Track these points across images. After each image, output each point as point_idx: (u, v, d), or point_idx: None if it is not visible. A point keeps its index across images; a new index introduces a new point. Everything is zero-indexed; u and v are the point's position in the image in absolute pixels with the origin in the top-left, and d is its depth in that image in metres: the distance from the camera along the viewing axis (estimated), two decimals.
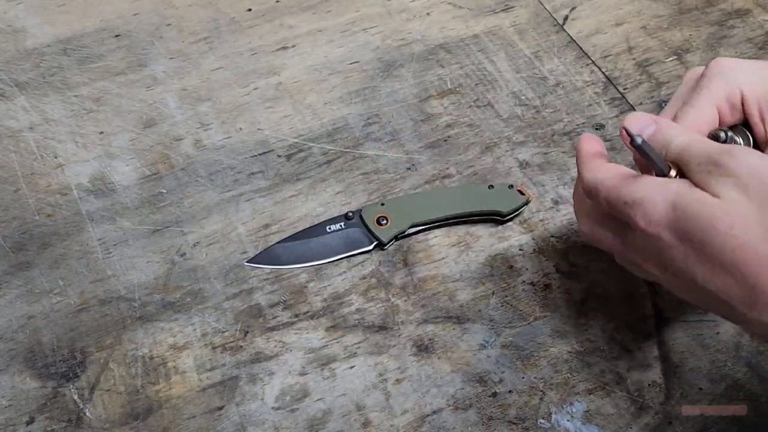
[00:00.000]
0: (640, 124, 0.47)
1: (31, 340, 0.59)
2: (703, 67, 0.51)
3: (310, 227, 0.65)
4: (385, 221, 0.63)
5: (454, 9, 0.84)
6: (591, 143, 0.51)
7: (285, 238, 0.64)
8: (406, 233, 0.64)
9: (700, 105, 0.49)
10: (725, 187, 0.41)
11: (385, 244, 0.63)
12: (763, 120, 0.49)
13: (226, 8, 0.84)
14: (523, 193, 0.65)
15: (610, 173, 0.46)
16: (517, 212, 0.65)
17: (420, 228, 0.64)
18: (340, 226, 0.64)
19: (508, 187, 0.65)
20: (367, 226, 0.63)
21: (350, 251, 0.63)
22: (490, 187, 0.65)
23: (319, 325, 0.60)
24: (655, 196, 0.43)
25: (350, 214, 0.64)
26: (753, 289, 0.41)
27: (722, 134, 0.49)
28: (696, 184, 0.43)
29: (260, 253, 0.63)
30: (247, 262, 0.63)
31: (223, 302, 0.61)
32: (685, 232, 0.42)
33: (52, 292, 0.62)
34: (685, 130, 0.45)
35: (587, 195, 0.49)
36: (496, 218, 0.65)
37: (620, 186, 0.45)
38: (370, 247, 0.63)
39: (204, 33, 0.81)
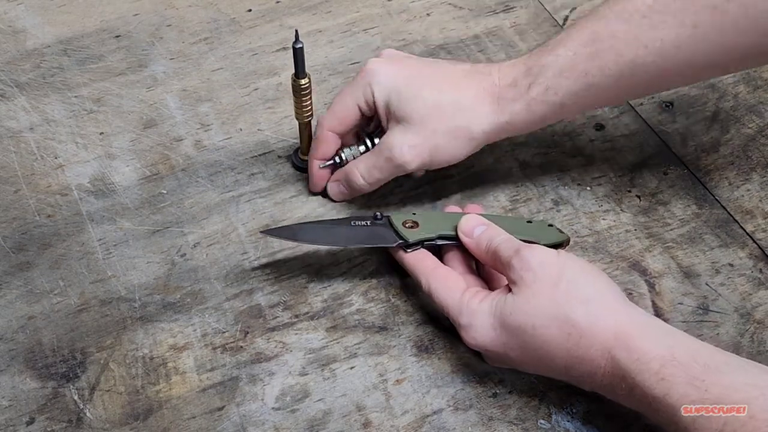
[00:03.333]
0: (472, 224, 0.59)
1: (32, 340, 0.59)
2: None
3: (334, 219, 0.65)
4: (414, 226, 0.61)
5: (455, 9, 0.84)
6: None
7: (307, 222, 0.64)
8: (434, 242, 0.60)
9: (344, 102, 0.64)
10: (523, 275, 0.53)
11: (411, 245, 0.60)
12: (383, 116, 0.63)
13: (227, 9, 0.84)
14: (562, 232, 0.62)
15: (450, 293, 0.57)
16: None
17: (448, 242, 0.60)
18: (366, 223, 0.62)
19: (548, 225, 0.62)
20: (394, 228, 0.61)
21: (373, 244, 0.61)
22: (529, 222, 0.63)
23: (319, 326, 0.60)
24: (481, 324, 0.54)
25: (378, 215, 0.62)
26: (568, 371, 0.52)
27: (342, 154, 0.65)
28: (506, 273, 0.55)
29: (280, 227, 0.63)
30: (262, 231, 0.62)
31: (223, 303, 0.61)
32: (505, 343, 0.53)
33: (52, 292, 0.62)
34: (502, 232, 0.58)
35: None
36: None
37: (457, 308, 0.56)
38: (394, 245, 0.60)
39: (204, 33, 0.81)
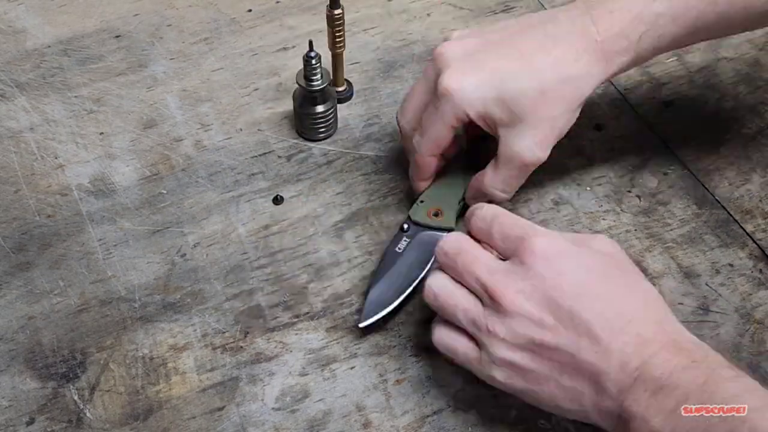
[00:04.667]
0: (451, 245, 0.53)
1: (32, 340, 0.59)
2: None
3: (379, 261, 0.62)
4: (437, 214, 0.62)
5: (455, 10, 0.84)
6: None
7: (370, 285, 0.60)
8: (463, 208, 0.62)
9: (437, 129, 0.59)
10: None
11: (455, 228, 0.61)
12: (489, 126, 0.59)
13: (227, 9, 0.84)
14: None
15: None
16: None
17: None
18: (406, 240, 0.61)
19: None
20: (427, 225, 0.61)
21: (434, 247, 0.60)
22: None
23: (319, 326, 0.60)
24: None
25: (404, 226, 0.62)
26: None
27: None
28: None
29: (363, 311, 0.59)
30: (360, 325, 0.58)
31: (223, 303, 0.61)
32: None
33: (52, 292, 0.62)
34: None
35: (478, 232, 0.54)
36: None
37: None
38: (449, 230, 0.61)
39: (204, 34, 0.81)
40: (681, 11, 0.56)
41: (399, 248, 0.61)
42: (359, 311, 0.61)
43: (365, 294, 0.59)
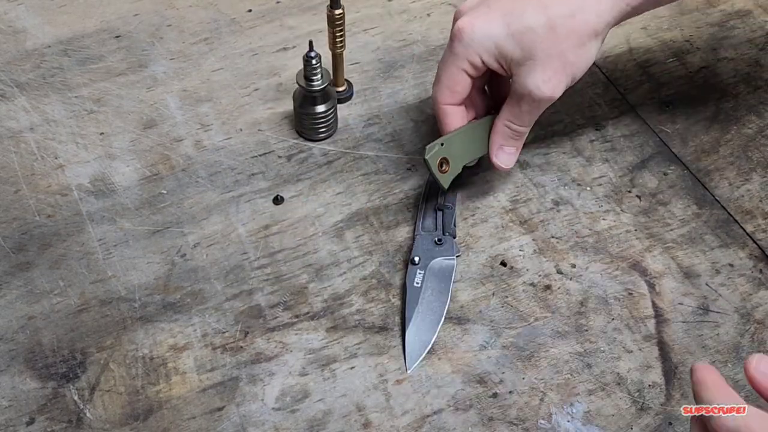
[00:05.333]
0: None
1: (32, 340, 0.59)
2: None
3: (404, 300, 0.61)
4: (445, 165, 0.62)
5: (455, 10, 0.84)
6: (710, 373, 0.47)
7: (403, 326, 0.60)
8: (461, 173, 0.64)
9: (450, 72, 0.60)
10: None
11: (446, 191, 0.64)
12: (503, 69, 0.60)
13: (227, 9, 0.84)
14: None
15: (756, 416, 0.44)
16: None
17: (471, 165, 0.66)
18: (420, 272, 0.61)
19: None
20: (432, 172, 0.61)
21: (449, 273, 0.62)
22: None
23: (319, 326, 0.60)
24: None
25: (415, 259, 0.62)
26: None
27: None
28: None
29: (406, 354, 0.58)
30: (409, 371, 0.57)
31: (223, 303, 0.61)
32: None
33: (52, 292, 0.62)
34: None
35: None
36: None
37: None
38: (456, 255, 0.63)
39: (204, 34, 0.81)
40: None
41: (417, 282, 0.61)
42: (359, 311, 0.61)
43: (402, 337, 0.59)
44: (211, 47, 0.80)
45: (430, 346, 0.59)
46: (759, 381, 0.45)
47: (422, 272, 0.61)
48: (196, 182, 0.69)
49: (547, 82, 0.58)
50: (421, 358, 0.58)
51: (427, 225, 0.65)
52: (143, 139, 0.72)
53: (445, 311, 0.60)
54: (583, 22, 0.57)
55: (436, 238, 0.63)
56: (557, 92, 0.59)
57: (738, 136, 0.72)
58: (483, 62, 0.59)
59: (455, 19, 0.61)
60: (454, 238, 0.64)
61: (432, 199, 0.66)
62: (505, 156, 0.64)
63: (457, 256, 0.63)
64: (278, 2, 0.84)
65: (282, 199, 0.67)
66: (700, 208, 0.67)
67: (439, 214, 0.65)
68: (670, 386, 0.57)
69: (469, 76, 0.61)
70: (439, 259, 0.62)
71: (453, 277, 0.62)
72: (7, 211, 0.67)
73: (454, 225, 0.65)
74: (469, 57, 0.59)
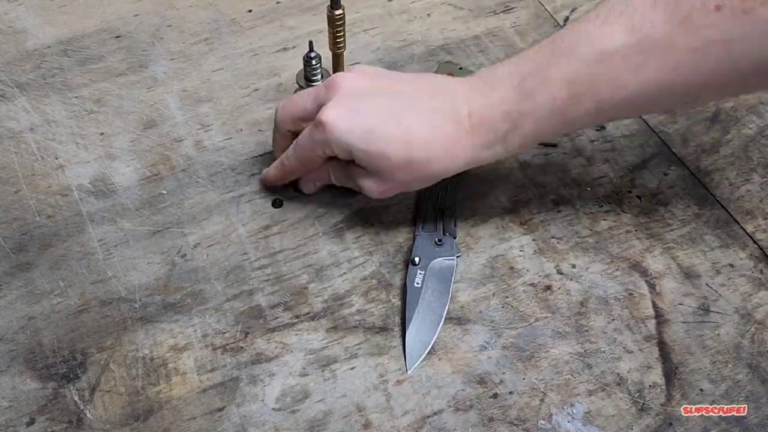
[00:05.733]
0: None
1: (32, 341, 0.59)
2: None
3: (404, 300, 0.61)
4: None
5: (455, 10, 0.84)
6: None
7: (403, 326, 0.60)
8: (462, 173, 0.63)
9: (306, 153, 0.63)
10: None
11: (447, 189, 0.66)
12: (349, 160, 0.61)
13: (227, 9, 0.84)
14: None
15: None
16: None
17: None
18: (420, 272, 0.61)
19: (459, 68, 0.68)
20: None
21: (449, 274, 0.62)
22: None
23: (319, 326, 0.60)
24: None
25: (416, 260, 0.62)
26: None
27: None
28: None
29: (406, 355, 0.58)
30: (409, 372, 0.58)
31: (223, 303, 0.61)
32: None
33: (52, 293, 0.62)
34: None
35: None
36: None
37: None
38: (456, 255, 0.63)
39: (204, 34, 0.81)
40: (547, 113, 0.56)
41: (417, 283, 0.61)
42: (360, 311, 0.61)
43: (402, 337, 0.59)
44: (211, 47, 0.80)
45: (430, 346, 0.59)
46: None
47: (422, 272, 0.62)
48: (197, 182, 0.69)
49: (380, 191, 0.61)
50: (421, 359, 0.58)
51: (427, 225, 0.65)
52: (143, 140, 0.72)
53: (446, 312, 0.60)
54: (439, 167, 0.59)
55: (437, 239, 0.63)
56: (383, 197, 0.62)
57: (738, 137, 0.72)
58: (335, 154, 0.61)
59: (334, 81, 0.61)
60: (455, 238, 0.64)
61: (432, 199, 0.66)
62: (312, 188, 0.67)
63: (457, 257, 0.63)
64: (278, 2, 0.84)
65: (281, 203, 0.67)
66: (701, 208, 0.67)
67: (440, 214, 0.65)
68: (671, 387, 0.57)
69: (321, 158, 0.63)
70: (439, 259, 0.62)
71: (453, 278, 0.62)
72: (7, 211, 0.67)
73: (455, 225, 0.65)
74: (325, 149, 0.61)
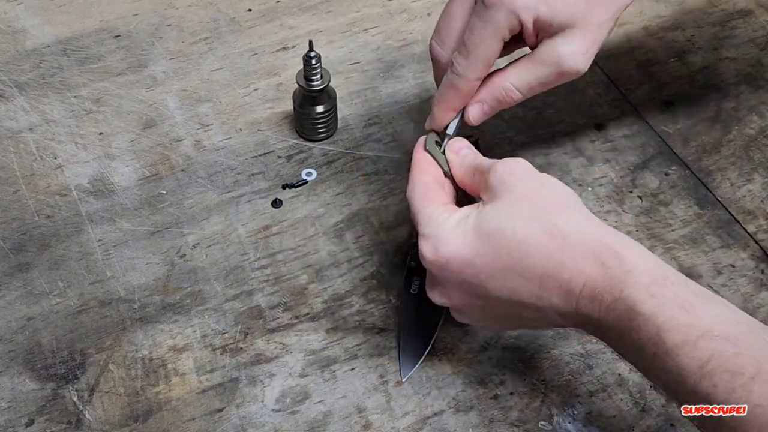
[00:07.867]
0: (458, 144, 0.56)
1: (31, 341, 0.59)
2: None
3: (399, 306, 0.61)
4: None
5: None
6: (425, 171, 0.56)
7: (398, 334, 0.59)
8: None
9: (487, 42, 0.54)
10: (505, 178, 0.51)
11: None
12: (534, 35, 0.55)
13: (227, 9, 0.83)
14: None
15: (424, 202, 0.53)
16: None
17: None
18: (417, 279, 0.60)
19: None
20: (436, 158, 0.57)
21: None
22: None
23: (319, 327, 0.60)
24: (447, 234, 0.50)
25: (412, 264, 0.61)
26: (542, 284, 0.48)
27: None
28: (484, 184, 0.52)
29: (401, 362, 0.58)
30: (403, 380, 0.57)
31: (223, 304, 0.61)
32: (476, 249, 0.49)
33: (51, 293, 0.62)
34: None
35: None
36: None
37: (425, 218, 0.52)
38: None
39: (204, 33, 0.81)
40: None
41: (413, 290, 0.60)
42: (360, 312, 0.60)
43: (397, 344, 0.59)
44: (210, 47, 0.80)
45: (424, 356, 0.58)
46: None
47: (419, 280, 0.60)
48: (196, 182, 0.69)
49: (584, 53, 0.54)
50: (416, 368, 0.58)
51: None
52: (143, 139, 0.72)
53: (442, 318, 0.59)
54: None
55: None
56: (587, 66, 0.55)
57: (740, 137, 0.72)
58: (521, 27, 0.54)
59: None
60: None
61: None
62: (479, 113, 0.58)
63: None
64: (278, 2, 0.84)
65: (281, 203, 0.67)
66: (702, 208, 0.67)
67: None
68: None
69: (503, 42, 0.55)
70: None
71: None
72: (7, 211, 0.67)
73: None
74: (511, 23, 0.53)
